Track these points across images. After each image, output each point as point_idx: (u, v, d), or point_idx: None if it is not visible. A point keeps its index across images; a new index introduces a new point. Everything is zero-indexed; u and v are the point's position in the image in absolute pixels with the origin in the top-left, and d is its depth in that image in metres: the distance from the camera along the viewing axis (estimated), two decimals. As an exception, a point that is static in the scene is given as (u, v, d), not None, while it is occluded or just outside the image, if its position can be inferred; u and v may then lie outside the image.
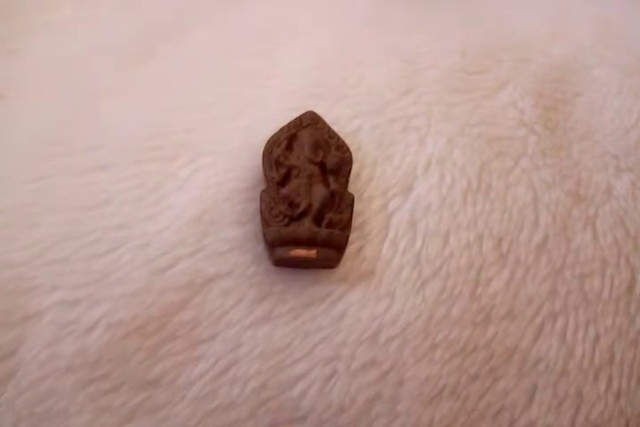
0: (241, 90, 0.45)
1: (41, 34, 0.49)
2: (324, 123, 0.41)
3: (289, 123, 0.41)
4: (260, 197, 0.38)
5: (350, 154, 0.40)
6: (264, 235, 0.38)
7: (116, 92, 0.45)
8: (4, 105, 0.44)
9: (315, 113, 0.42)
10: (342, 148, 0.40)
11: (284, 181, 0.39)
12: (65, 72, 0.46)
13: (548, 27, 0.53)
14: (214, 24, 0.50)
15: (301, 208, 0.38)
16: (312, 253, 0.37)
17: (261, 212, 0.38)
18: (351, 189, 0.40)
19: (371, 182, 0.41)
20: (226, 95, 0.44)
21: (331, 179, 0.39)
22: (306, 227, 0.37)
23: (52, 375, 0.35)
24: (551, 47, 0.50)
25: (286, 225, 0.37)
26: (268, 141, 0.40)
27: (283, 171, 0.39)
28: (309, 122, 0.41)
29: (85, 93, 0.45)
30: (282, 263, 0.38)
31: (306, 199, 0.38)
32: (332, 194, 0.39)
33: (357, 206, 0.39)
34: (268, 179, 0.39)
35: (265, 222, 0.38)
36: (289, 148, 0.40)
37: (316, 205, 0.38)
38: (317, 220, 0.38)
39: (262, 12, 0.52)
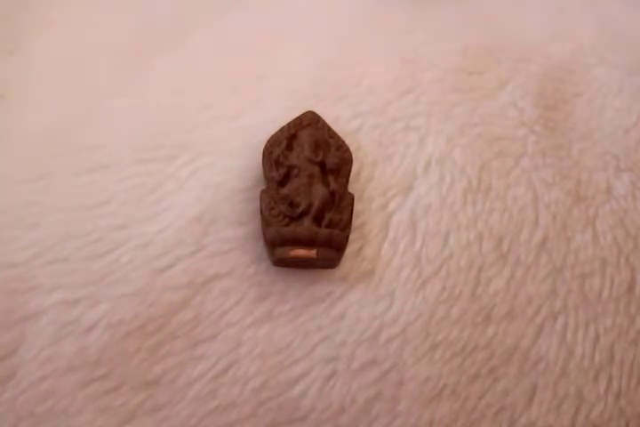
0: (241, 90, 0.45)
1: (41, 34, 0.49)
2: (324, 123, 0.41)
3: (289, 123, 0.41)
4: (260, 196, 0.38)
5: (350, 154, 0.40)
6: (264, 235, 0.38)
7: (116, 92, 0.45)
8: (4, 105, 0.44)
9: (315, 113, 0.42)
10: (342, 147, 0.40)
11: (283, 181, 0.39)
12: (65, 72, 0.46)
13: (548, 27, 0.53)
14: (214, 24, 0.50)
15: (301, 208, 0.38)
16: (312, 253, 0.37)
17: (261, 211, 0.38)
18: (351, 188, 0.40)
19: (371, 182, 0.41)
20: (226, 95, 0.45)
21: (331, 179, 0.39)
22: (306, 227, 0.37)
23: (52, 375, 0.35)
24: (551, 47, 0.50)
25: (286, 225, 0.37)
26: (268, 141, 0.40)
27: (283, 171, 0.39)
28: (309, 122, 0.41)
29: (85, 93, 0.45)
30: (282, 263, 0.38)
31: (306, 199, 0.38)
32: (332, 194, 0.39)
33: (357, 206, 0.39)
34: (268, 179, 0.39)
35: (265, 222, 0.38)
36: (289, 147, 0.40)
37: (315, 205, 0.38)
38: (317, 220, 0.38)
39: (262, 12, 0.52)
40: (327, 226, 0.38)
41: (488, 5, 0.55)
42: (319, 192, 0.38)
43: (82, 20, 0.50)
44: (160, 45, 0.48)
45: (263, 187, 0.39)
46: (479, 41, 0.50)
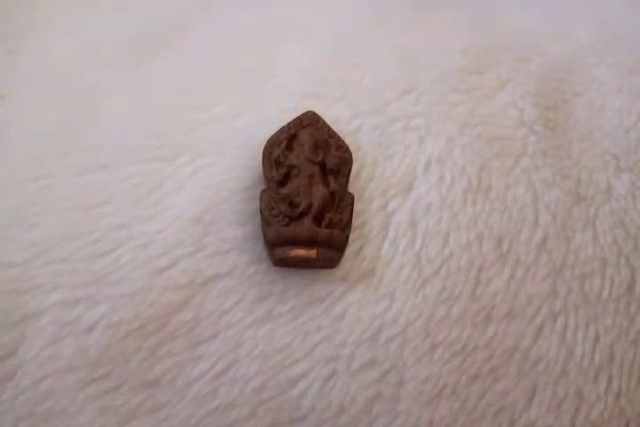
0: (241, 90, 0.45)
1: (41, 34, 0.49)
2: (324, 123, 0.41)
3: (289, 123, 0.41)
4: (260, 196, 0.38)
5: (350, 154, 0.40)
6: (264, 235, 0.38)
7: (116, 92, 0.45)
8: (4, 105, 0.44)
9: (315, 113, 0.42)
10: (342, 147, 0.40)
11: (283, 181, 0.39)
12: (65, 72, 0.46)
13: (548, 27, 0.53)
14: (214, 24, 0.50)
15: (301, 208, 0.38)
16: (312, 253, 0.37)
17: (261, 211, 0.38)
18: (351, 188, 0.40)
19: (371, 182, 0.41)
20: (226, 95, 0.45)
21: (331, 179, 0.39)
22: (306, 227, 0.37)
23: (52, 375, 0.35)
24: (551, 47, 0.50)
25: (286, 225, 0.37)
26: (268, 141, 0.40)
27: (283, 171, 0.39)
28: (309, 122, 0.41)
29: (85, 93, 0.45)
30: (282, 263, 0.38)
31: (306, 199, 0.38)
32: (332, 194, 0.39)
33: (357, 206, 0.39)
34: (267, 179, 0.39)
35: (265, 222, 0.38)
36: (289, 147, 0.40)
37: (315, 205, 0.38)
38: (317, 220, 0.38)
39: (262, 12, 0.52)
40: (327, 226, 0.38)
41: (488, 5, 0.55)
42: (319, 192, 0.38)
43: (82, 19, 0.50)
44: (160, 45, 0.48)
45: (263, 187, 0.39)
46: (479, 41, 0.50)
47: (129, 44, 0.48)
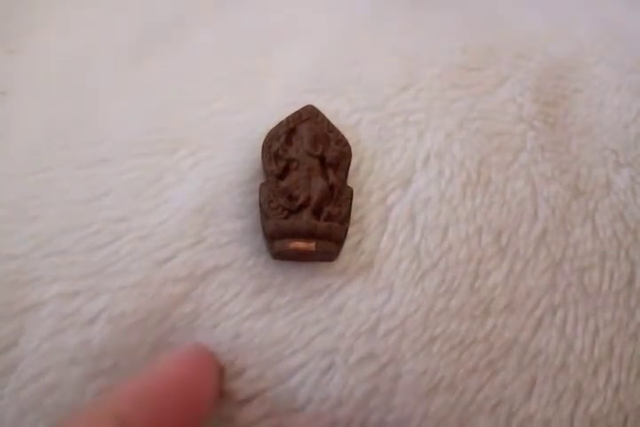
0: (241, 86, 0.45)
1: (41, 33, 0.49)
2: (323, 117, 0.41)
3: (288, 117, 0.41)
4: (260, 190, 0.38)
5: (349, 148, 0.40)
6: (263, 227, 0.38)
7: (117, 90, 0.45)
8: (6, 101, 0.44)
9: (314, 107, 0.42)
10: (341, 141, 0.40)
11: (283, 175, 0.39)
12: (65, 71, 0.47)
13: (548, 26, 0.53)
14: (214, 23, 0.50)
15: (300, 201, 0.38)
16: (311, 245, 0.37)
17: (260, 204, 0.38)
18: (350, 182, 0.40)
19: (370, 176, 0.41)
20: (225, 91, 0.45)
21: (330, 172, 0.39)
22: (305, 220, 0.37)
23: (55, 368, 0.35)
24: (551, 45, 0.50)
25: (285, 218, 0.37)
26: (268, 135, 0.40)
27: (282, 164, 0.39)
28: (309, 116, 0.41)
29: (86, 92, 0.45)
30: (281, 256, 0.38)
31: (305, 192, 0.38)
32: (331, 187, 0.39)
33: (356, 200, 0.39)
34: (267, 172, 0.39)
35: (264, 215, 0.38)
36: (288, 141, 0.40)
37: (314, 198, 0.38)
38: (316, 213, 0.38)
39: (262, 12, 0.52)
40: (326, 219, 0.38)
41: (488, 5, 0.55)
42: (318, 185, 0.38)
43: (82, 20, 0.51)
44: (160, 45, 0.48)
45: (262, 180, 0.39)
46: (479, 38, 0.50)
47: (129, 44, 0.48)
